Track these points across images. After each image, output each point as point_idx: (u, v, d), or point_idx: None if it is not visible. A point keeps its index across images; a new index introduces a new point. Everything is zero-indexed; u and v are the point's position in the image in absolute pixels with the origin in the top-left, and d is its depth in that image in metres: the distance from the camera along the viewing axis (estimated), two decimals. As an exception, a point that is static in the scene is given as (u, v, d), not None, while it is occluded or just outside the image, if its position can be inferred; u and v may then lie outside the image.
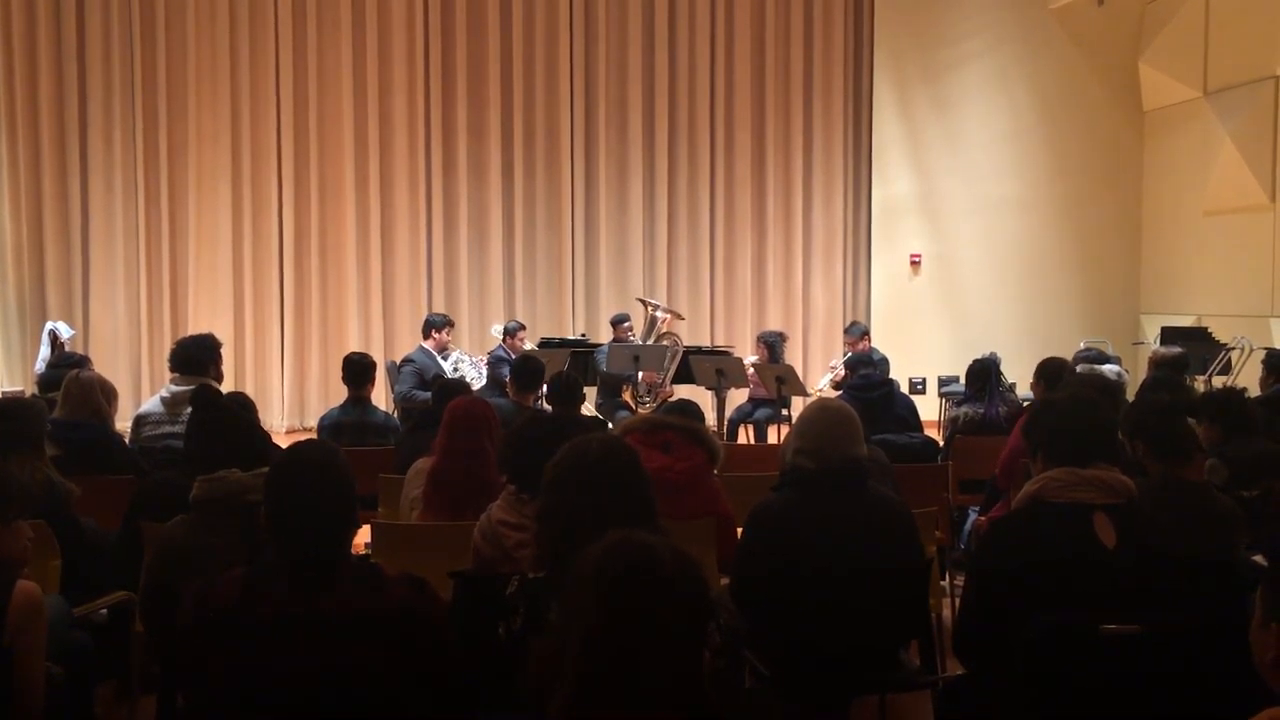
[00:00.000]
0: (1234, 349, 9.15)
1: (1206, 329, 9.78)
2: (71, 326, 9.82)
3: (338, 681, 2.22)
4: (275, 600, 2.26)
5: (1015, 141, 11.74)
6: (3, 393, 9.11)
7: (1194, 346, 8.61)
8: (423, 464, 4.17)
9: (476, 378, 8.61)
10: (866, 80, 11.77)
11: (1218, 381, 8.91)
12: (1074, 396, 3.06)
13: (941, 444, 6.34)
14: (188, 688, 2.47)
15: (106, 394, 4.90)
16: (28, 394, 7.61)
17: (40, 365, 9.07)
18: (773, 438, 8.64)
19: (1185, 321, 10.39)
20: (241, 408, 4.13)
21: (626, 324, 9.48)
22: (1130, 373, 8.52)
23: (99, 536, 3.98)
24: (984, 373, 6.19)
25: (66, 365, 5.57)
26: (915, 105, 11.68)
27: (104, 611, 3.77)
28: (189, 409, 4.77)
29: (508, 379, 6.37)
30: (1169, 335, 9.53)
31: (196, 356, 5.43)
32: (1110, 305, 11.73)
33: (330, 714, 2.22)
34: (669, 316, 9.59)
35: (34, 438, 3.87)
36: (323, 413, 6.41)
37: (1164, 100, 11.36)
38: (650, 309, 9.68)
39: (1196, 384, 8.51)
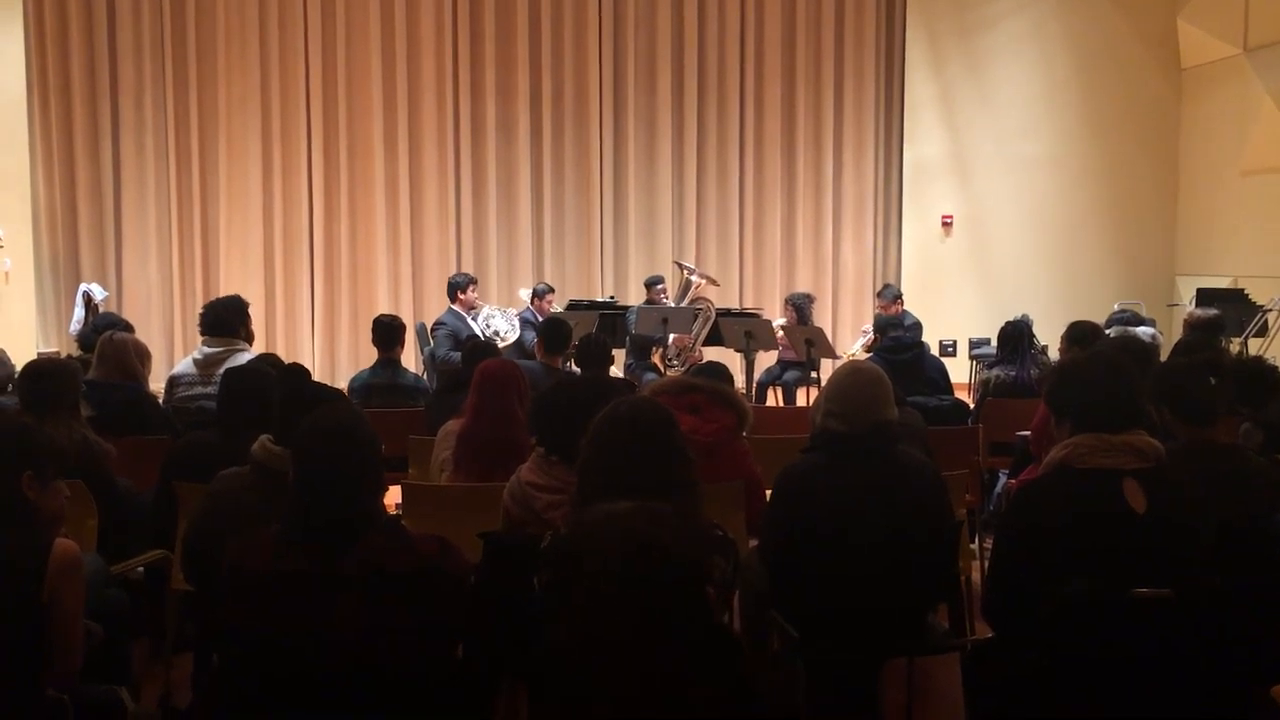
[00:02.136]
0: (1271, 311, 9.04)
1: (1243, 290, 9.64)
2: (105, 288, 9.91)
3: (363, 638, 2.25)
4: (306, 557, 2.30)
5: (1050, 100, 11.56)
6: (38, 354, 9.22)
7: (1230, 308, 8.49)
8: (453, 425, 4.19)
9: (510, 330, 8.64)
10: (899, 38, 11.61)
11: (1254, 344, 8.80)
12: (1095, 359, 3.00)
13: (972, 406, 6.31)
14: (222, 644, 2.51)
15: (140, 355, 4.95)
16: (63, 355, 7.69)
17: (75, 327, 9.18)
18: (801, 400, 8.63)
19: (1221, 283, 10.25)
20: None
21: (660, 286, 9.46)
22: (1165, 335, 8.43)
23: (134, 496, 4.03)
24: (1016, 335, 6.14)
25: (108, 327, 5.62)
26: (948, 63, 11.52)
27: (140, 570, 3.84)
28: (221, 370, 4.82)
29: (534, 342, 6.38)
30: (1205, 297, 9.40)
31: (226, 318, 5.48)
32: (1145, 266, 11.58)
33: (356, 670, 2.25)
34: (703, 281, 9.55)
35: (70, 398, 3.91)
36: (353, 374, 6.45)
37: (1203, 57, 11.14)
38: (686, 272, 9.65)
39: (1233, 346, 8.41)
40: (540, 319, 8.13)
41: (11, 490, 2.63)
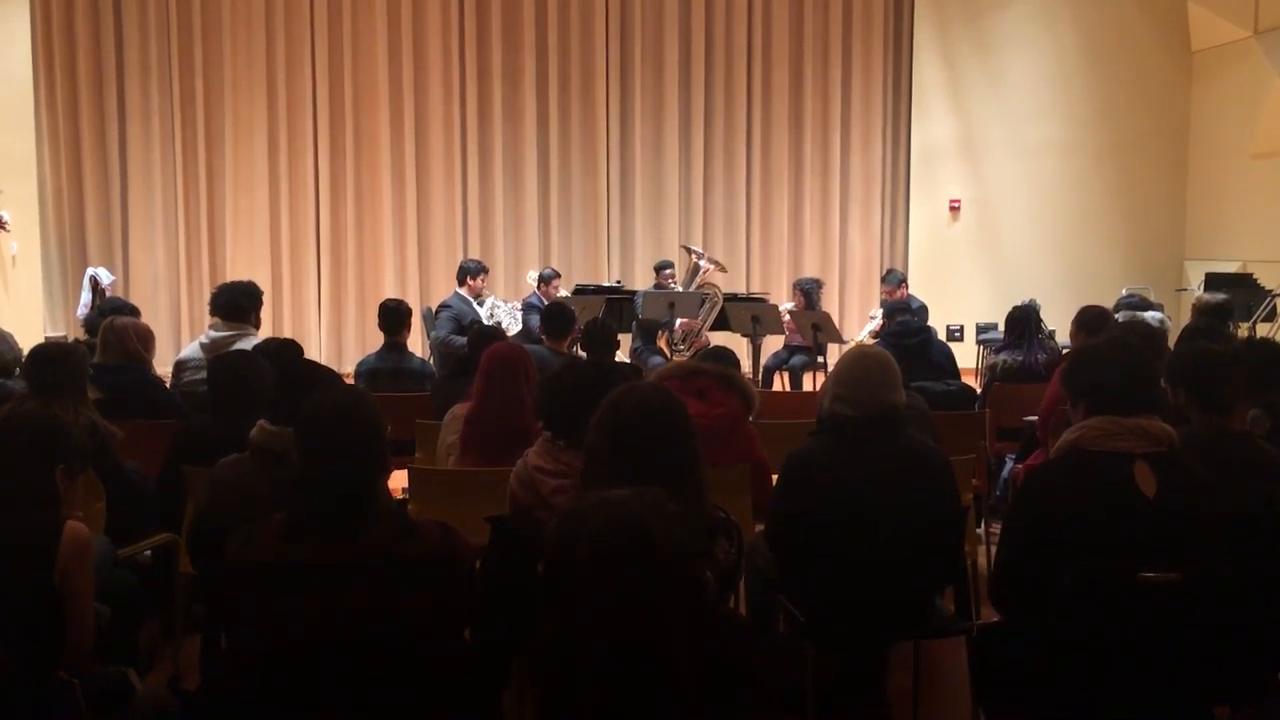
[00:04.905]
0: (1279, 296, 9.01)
1: (1252, 275, 9.61)
2: (111, 272, 9.92)
3: (370, 624, 2.25)
4: (310, 546, 2.29)
5: (1059, 83, 11.50)
6: (46, 338, 9.24)
7: (1239, 293, 8.47)
8: (459, 410, 4.19)
9: (513, 324, 8.65)
10: (907, 21, 11.55)
11: (1262, 329, 8.77)
12: (1114, 343, 3.00)
13: (979, 391, 6.30)
14: (230, 630, 2.51)
15: (142, 339, 4.94)
16: (70, 339, 7.70)
17: (82, 311, 9.18)
18: (808, 385, 8.62)
19: (1230, 267, 10.21)
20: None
21: (668, 271, 9.46)
22: (1173, 320, 8.41)
23: (141, 479, 4.04)
24: (1023, 320, 6.13)
25: (114, 311, 5.61)
26: (957, 46, 11.46)
27: (148, 553, 3.85)
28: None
29: (539, 326, 6.37)
30: (1213, 281, 9.38)
31: (239, 302, 5.48)
32: (1154, 251, 11.54)
33: (363, 656, 2.25)
34: (711, 267, 9.54)
35: (78, 382, 3.92)
36: (359, 359, 6.46)
37: (1213, 40, 11.08)
38: (694, 257, 9.64)
39: (1241, 331, 8.39)
40: (546, 303, 8.13)
41: (45, 480, 2.75)
